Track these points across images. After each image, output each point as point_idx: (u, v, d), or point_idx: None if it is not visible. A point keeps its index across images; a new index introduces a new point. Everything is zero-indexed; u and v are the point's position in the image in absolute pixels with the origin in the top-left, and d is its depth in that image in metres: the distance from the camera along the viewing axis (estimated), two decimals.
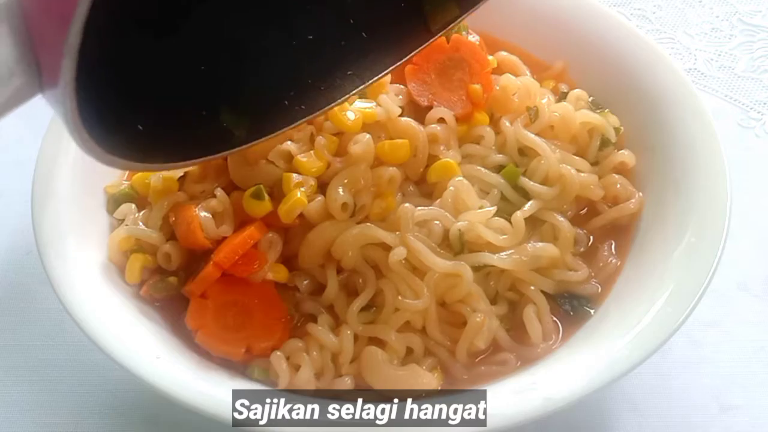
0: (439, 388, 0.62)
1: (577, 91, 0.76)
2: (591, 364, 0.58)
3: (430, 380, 0.61)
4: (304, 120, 0.63)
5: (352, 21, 0.65)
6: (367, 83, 0.65)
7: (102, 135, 0.46)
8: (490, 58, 0.76)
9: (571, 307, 0.66)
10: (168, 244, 0.66)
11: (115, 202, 0.71)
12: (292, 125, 0.62)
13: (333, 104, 0.64)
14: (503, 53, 0.79)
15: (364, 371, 0.62)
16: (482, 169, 0.70)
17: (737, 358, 0.71)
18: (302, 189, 0.64)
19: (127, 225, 0.68)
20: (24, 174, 0.70)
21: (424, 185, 0.70)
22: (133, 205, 0.70)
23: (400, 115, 0.70)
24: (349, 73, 0.64)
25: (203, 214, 0.64)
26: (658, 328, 0.59)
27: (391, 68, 0.65)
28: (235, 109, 0.60)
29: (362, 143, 0.66)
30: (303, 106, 0.62)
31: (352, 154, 0.66)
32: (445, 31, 0.66)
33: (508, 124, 0.73)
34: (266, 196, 0.64)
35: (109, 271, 0.66)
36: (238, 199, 0.65)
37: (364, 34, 0.65)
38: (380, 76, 0.65)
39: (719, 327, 0.73)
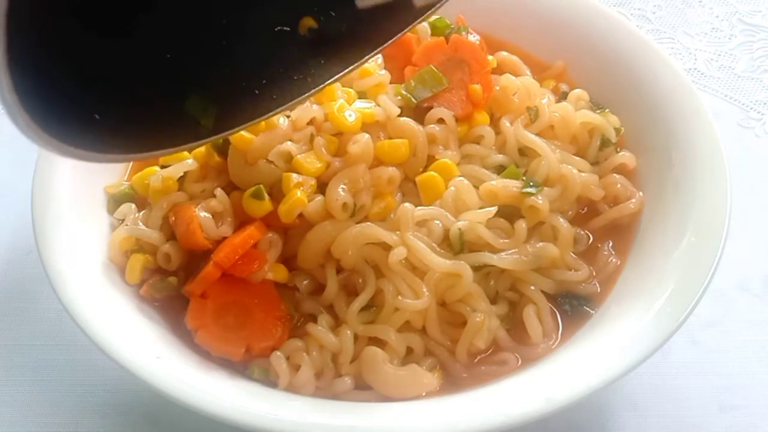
0: (439, 388, 0.62)
1: (577, 91, 0.76)
2: (591, 364, 0.58)
3: (430, 380, 0.61)
4: (276, 111, 0.60)
5: (332, 13, 0.63)
6: (343, 72, 0.62)
7: (51, 122, 0.43)
8: (490, 58, 0.76)
9: (571, 307, 0.66)
10: (168, 244, 0.66)
11: (115, 202, 0.71)
12: (264, 116, 0.59)
13: (307, 94, 0.61)
14: (503, 53, 0.79)
15: (364, 371, 0.62)
16: (482, 169, 0.70)
17: (737, 358, 0.71)
18: (302, 189, 0.64)
19: (127, 225, 0.68)
20: (24, 174, 0.70)
21: None
22: (133, 205, 0.70)
23: (399, 115, 0.70)
24: (322, 62, 0.62)
25: (203, 214, 0.64)
26: (658, 328, 0.59)
27: (367, 57, 0.63)
28: (201, 98, 0.57)
29: (361, 143, 0.66)
30: (275, 96, 0.60)
31: (351, 154, 0.66)
32: (425, 15, 0.63)
33: (508, 124, 0.73)
34: (266, 196, 0.64)
35: (109, 271, 0.66)
36: (238, 199, 0.65)
37: (343, 27, 0.62)
38: (356, 65, 0.63)
39: (719, 327, 0.73)
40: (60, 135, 0.44)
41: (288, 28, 0.62)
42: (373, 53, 0.63)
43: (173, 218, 0.66)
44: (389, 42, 0.63)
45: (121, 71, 0.54)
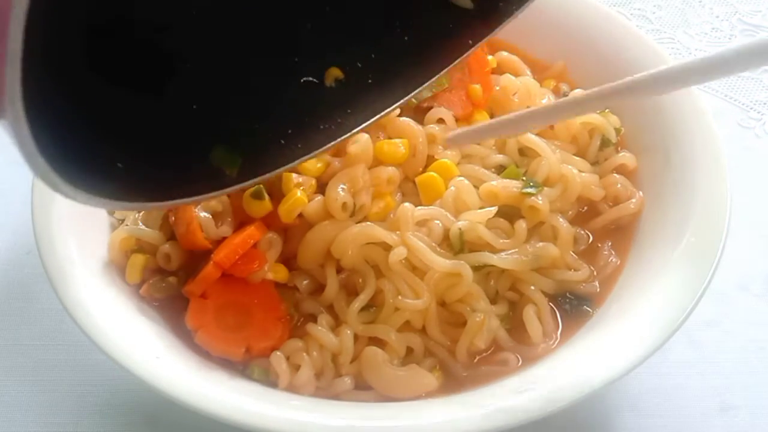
0: (439, 388, 0.62)
1: (577, 91, 0.76)
2: (591, 363, 0.58)
3: (430, 380, 0.61)
4: (301, 160, 0.59)
5: (359, 64, 0.62)
6: (370, 121, 0.61)
7: (73, 171, 0.43)
8: (490, 58, 0.76)
9: (571, 307, 0.66)
10: (168, 244, 0.66)
11: None
12: (289, 165, 0.58)
13: (332, 143, 0.60)
14: (503, 53, 0.79)
15: (364, 371, 0.62)
16: (482, 169, 0.70)
17: (737, 358, 0.71)
18: (302, 189, 0.64)
19: (127, 225, 0.68)
20: (24, 174, 0.69)
21: None
22: None
23: (399, 115, 0.70)
24: (349, 111, 0.61)
25: (203, 214, 0.64)
26: (658, 328, 0.59)
27: (395, 105, 0.62)
28: (227, 150, 0.57)
29: (361, 143, 0.66)
30: (300, 145, 0.59)
31: (350, 154, 0.66)
32: (463, 56, 0.62)
33: None
34: (266, 196, 0.64)
35: (109, 271, 0.66)
36: (238, 199, 0.65)
37: (369, 77, 0.62)
38: (384, 113, 0.62)
39: (719, 327, 0.73)
40: (81, 184, 0.44)
41: (315, 80, 0.62)
42: (400, 102, 0.62)
43: (173, 218, 0.66)
44: (416, 91, 0.62)
45: (145, 122, 0.54)
